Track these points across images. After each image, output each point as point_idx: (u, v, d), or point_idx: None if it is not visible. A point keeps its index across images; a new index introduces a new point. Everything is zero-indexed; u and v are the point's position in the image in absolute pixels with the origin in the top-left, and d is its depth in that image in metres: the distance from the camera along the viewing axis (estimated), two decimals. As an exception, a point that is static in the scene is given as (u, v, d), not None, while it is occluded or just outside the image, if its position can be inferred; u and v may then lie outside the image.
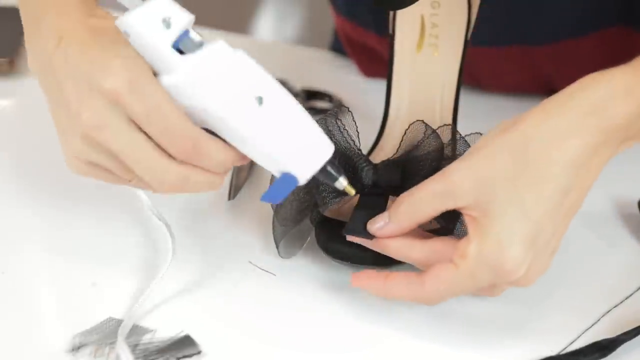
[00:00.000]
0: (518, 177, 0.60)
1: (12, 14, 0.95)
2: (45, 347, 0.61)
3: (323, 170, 0.61)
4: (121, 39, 0.59)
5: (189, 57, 0.58)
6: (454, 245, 0.61)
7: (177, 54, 0.58)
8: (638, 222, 0.75)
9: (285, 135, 0.59)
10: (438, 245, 0.62)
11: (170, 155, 0.59)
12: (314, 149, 0.61)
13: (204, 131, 0.59)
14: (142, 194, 0.70)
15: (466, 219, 0.61)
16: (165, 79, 0.58)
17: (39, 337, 0.61)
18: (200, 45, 0.59)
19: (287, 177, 0.60)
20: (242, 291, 0.67)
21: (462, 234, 0.63)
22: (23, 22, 0.66)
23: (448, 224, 0.64)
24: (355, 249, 0.66)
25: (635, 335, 0.63)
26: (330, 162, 0.61)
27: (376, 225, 0.63)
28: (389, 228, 0.63)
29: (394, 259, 0.64)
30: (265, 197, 0.62)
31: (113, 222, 0.71)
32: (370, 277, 0.63)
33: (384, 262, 0.65)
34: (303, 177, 0.61)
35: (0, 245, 0.69)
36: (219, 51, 0.59)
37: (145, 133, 0.59)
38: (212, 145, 0.59)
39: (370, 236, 0.64)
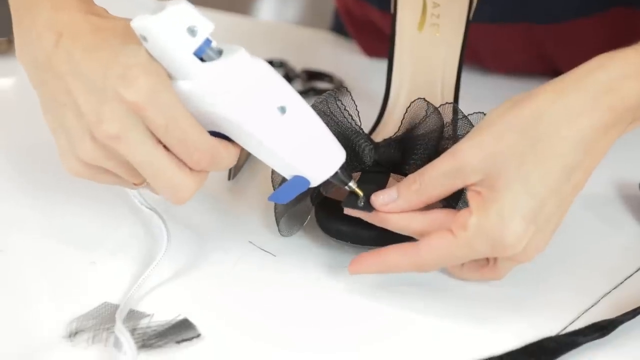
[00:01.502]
0: (526, 154, 0.59)
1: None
2: (41, 332, 0.60)
3: (335, 175, 0.62)
4: (130, 40, 0.59)
5: (210, 65, 0.58)
6: (454, 217, 0.61)
7: (198, 62, 0.58)
8: (639, 203, 0.75)
9: (303, 143, 0.61)
10: (439, 215, 0.62)
11: (186, 167, 0.60)
12: (328, 156, 0.62)
13: (217, 140, 0.60)
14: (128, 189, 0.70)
15: (469, 194, 0.61)
16: (184, 85, 0.58)
17: (35, 323, 0.61)
18: (219, 52, 0.59)
19: (299, 180, 0.62)
20: (242, 271, 0.67)
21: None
22: (11, 10, 0.65)
23: (450, 202, 0.64)
24: (355, 228, 0.66)
25: (634, 316, 0.63)
26: (342, 167, 0.62)
27: (380, 200, 0.63)
28: (397, 205, 0.63)
29: (392, 239, 0.64)
30: (273, 197, 0.63)
31: (109, 207, 0.71)
32: (365, 257, 0.63)
33: (382, 241, 0.65)
34: (316, 181, 0.62)
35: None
36: (241, 59, 0.59)
37: (162, 144, 0.59)
38: (225, 153, 0.61)
39: (369, 209, 0.64)
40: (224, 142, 0.61)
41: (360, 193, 0.63)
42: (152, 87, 0.58)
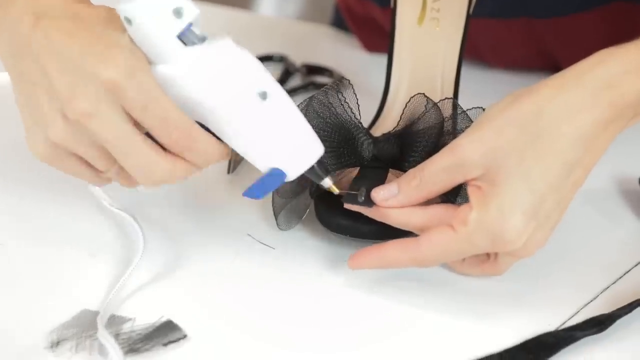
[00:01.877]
0: (526, 149, 0.60)
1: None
2: (20, 343, 0.58)
3: (311, 169, 0.62)
4: (112, 26, 0.59)
5: (192, 49, 0.58)
6: (454, 212, 0.61)
7: (181, 45, 0.58)
8: (639, 198, 0.75)
9: (281, 133, 0.60)
10: (439, 210, 0.62)
11: (160, 149, 0.59)
12: (306, 148, 0.61)
13: (197, 124, 0.60)
14: (97, 191, 0.69)
15: (470, 189, 0.61)
16: (163, 68, 0.58)
17: (12, 335, 0.59)
18: (203, 39, 0.59)
19: (275, 173, 0.61)
20: (240, 267, 0.67)
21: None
22: None
23: (449, 198, 0.64)
24: (354, 221, 0.66)
25: (630, 311, 0.63)
26: (319, 161, 0.62)
27: (381, 195, 0.63)
28: (397, 200, 0.63)
29: (391, 233, 0.64)
30: (248, 193, 0.62)
31: (82, 209, 0.70)
32: (365, 253, 0.63)
33: (382, 235, 0.65)
34: (292, 174, 0.61)
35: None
36: (224, 46, 0.59)
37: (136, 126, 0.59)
38: (205, 138, 0.60)
39: (370, 204, 0.64)
40: (204, 130, 0.60)
41: (337, 190, 0.63)
42: (131, 66, 0.57)
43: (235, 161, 0.76)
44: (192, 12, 0.58)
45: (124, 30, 0.59)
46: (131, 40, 0.58)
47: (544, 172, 0.60)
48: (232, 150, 0.76)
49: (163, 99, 0.58)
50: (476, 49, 0.90)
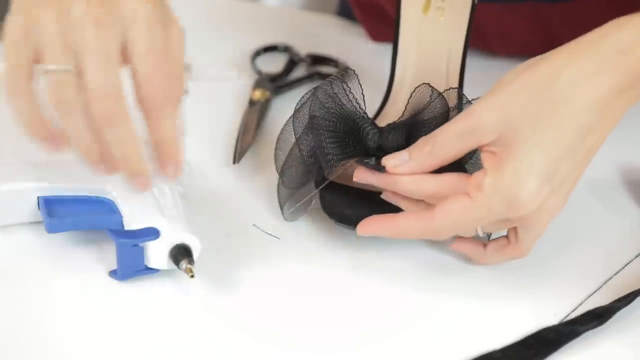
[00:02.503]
0: (541, 114, 0.60)
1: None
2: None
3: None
4: None
5: None
6: (467, 179, 0.61)
7: None
8: (643, 188, 0.75)
9: None
10: (451, 178, 0.62)
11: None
12: None
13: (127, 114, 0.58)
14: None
15: (484, 155, 0.61)
16: None
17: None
18: None
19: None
20: (246, 254, 0.67)
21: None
22: None
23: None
24: (359, 213, 0.66)
25: (629, 302, 0.63)
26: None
27: (392, 162, 0.63)
28: (408, 166, 0.63)
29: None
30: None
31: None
32: (377, 220, 0.63)
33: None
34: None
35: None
36: None
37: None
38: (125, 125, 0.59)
39: (380, 169, 0.64)
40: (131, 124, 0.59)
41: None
42: None
43: (240, 151, 0.76)
44: None
45: None
46: None
47: (559, 136, 0.59)
48: (237, 141, 0.76)
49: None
50: (481, 34, 0.90)
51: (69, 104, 0.58)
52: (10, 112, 0.60)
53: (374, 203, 0.67)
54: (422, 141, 0.63)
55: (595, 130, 0.60)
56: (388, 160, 0.63)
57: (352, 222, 0.67)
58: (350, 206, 0.66)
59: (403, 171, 0.63)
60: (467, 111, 0.61)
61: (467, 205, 0.60)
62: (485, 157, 0.61)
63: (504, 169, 0.60)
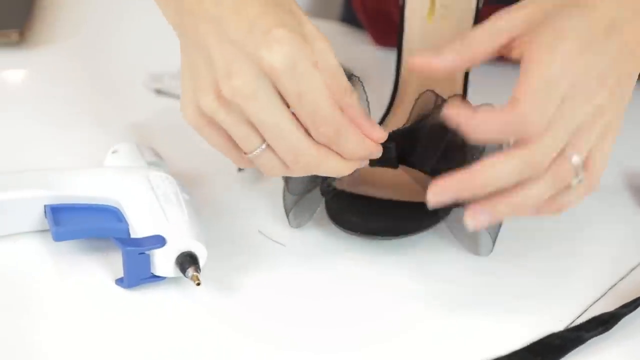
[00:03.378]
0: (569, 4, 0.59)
1: (22, -16, 0.95)
2: None
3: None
4: (287, 4, 0.59)
5: None
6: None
7: None
8: (647, 193, 0.75)
9: None
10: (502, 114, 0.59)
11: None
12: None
13: (353, 114, 0.60)
14: None
15: (519, 51, 0.60)
16: None
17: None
18: None
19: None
20: (252, 261, 0.67)
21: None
22: None
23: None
24: (364, 219, 0.66)
25: (635, 308, 0.63)
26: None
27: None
28: (446, 59, 0.62)
29: (403, 229, 0.64)
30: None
31: None
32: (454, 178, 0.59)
33: (394, 232, 0.66)
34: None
35: None
36: None
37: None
38: (353, 137, 0.60)
39: (395, 164, 0.65)
40: (353, 126, 0.61)
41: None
42: (294, 55, 0.57)
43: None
44: None
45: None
46: (298, 21, 0.59)
47: (582, 19, 0.58)
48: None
49: (318, 92, 0.58)
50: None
51: (282, 170, 0.61)
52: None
53: (379, 209, 0.67)
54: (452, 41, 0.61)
55: (626, 25, 0.59)
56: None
57: (357, 228, 0.67)
58: (355, 213, 0.66)
59: (443, 66, 0.61)
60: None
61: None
62: (523, 48, 0.59)
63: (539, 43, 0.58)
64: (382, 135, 0.62)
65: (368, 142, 0.61)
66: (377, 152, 0.62)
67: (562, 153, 0.59)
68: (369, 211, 0.66)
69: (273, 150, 0.60)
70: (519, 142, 0.59)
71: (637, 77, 0.61)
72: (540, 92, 0.58)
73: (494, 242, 0.66)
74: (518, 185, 0.59)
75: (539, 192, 0.59)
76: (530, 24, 0.60)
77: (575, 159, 0.59)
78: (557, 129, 0.58)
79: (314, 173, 0.62)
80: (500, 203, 0.59)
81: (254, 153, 0.61)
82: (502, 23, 0.61)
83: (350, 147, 0.61)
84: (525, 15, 0.61)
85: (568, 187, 0.60)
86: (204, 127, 0.61)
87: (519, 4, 0.61)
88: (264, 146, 0.60)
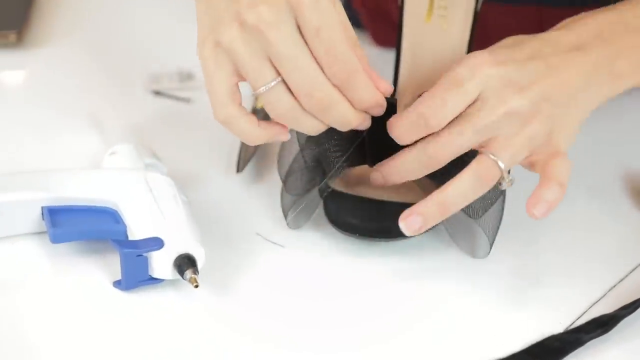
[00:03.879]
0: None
1: (21, -15, 0.95)
2: None
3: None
4: None
5: None
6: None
7: None
8: (646, 195, 0.75)
9: None
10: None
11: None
12: None
13: (361, 65, 0.62)
14: None
15: None
16: None
17: None
18: None
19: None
20: (250, 263, 0.67)
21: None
22: None
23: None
24: (363, 221, 0.66)
25: (634, 310, 0.63)
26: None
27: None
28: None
29: (401, 231, 0.64)
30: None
31: None
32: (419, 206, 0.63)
33: (392, 234, 0.65)
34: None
35: None
36: None
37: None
38: (363, 81, 0.62)
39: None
40: (366, 72, 0.62)
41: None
42: None
43: (244, 159, 0.76)
44: None
45: None
46: None
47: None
48: (240, 149, 0.77)
49: (336, 29, 0.61)
50: (484, 35, 0.90)
51: (291, 110, 0.62)
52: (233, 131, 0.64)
53: (377, 211, 0.67)
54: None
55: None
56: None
57: (355, 230, 0.67)
58: (353, 214, 0.66)
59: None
60: None
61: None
62: None
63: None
64: (388, 87, 0.64)
65: (376, 91, 0.63)
66: (383, 105, 0.63)
67: (483, 152, 0.62)
68: (367, 213, 0.66)
69: (286, 85, 0.61)
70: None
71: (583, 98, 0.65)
72: (440, 91, 0.63)
73: (491, 245, 0.66)
74: (442, 187, 0.62)
75: (463, 189, 0.62)
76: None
77: (500, 163, 0.62)
78: (461, 126, 0.62)
79: (323, 118, 0.62)
80: (427, 205, 0.62)
81: (264, 88, 0.61)
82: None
83: (360, 93, 0.62)
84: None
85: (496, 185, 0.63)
86: (217, 65, 0.62)
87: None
88: (275, 82, 0.61)
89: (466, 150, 0.63)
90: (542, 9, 0.88)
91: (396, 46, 0.75)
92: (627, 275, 0.67)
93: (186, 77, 0.86)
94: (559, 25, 0.68)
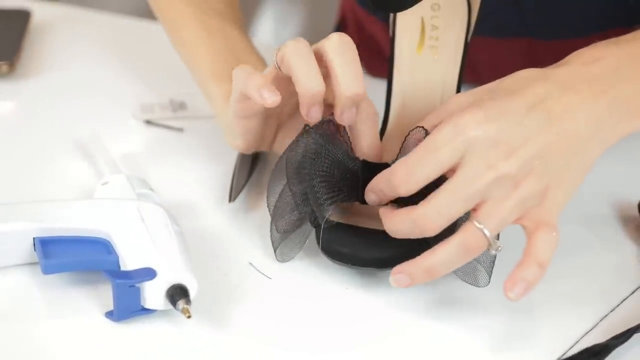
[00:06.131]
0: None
1: (13, 16, 0.95)
2: None
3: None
4: None
5: None
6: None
7: None
8: (637, 224, 0.75)
9: None
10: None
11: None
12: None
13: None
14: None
15: None
16: None
17: None
18: None
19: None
20: (242, 293, 0.67)
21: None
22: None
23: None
24: (356, 250, 0.66)
25: (626, 340, 0.63)
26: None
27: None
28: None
29: (396, 261, 0.64)
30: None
31: None
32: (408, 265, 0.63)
33: (385, 264, 0.65)
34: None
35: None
36: None
37: None
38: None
39: None
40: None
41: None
42: None
43: (236, 189, 0.76)
44: None
45: None
46: None
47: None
48: (233, 179, 0.77)
49: None
50: (474, 68, 0.90)
51: None
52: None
53: (370, 240, 0.67)
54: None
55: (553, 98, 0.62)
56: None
57: (349, 260, 0.67)
58: (347, 245, 0.66)
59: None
60: None
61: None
62: None
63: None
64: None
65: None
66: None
67: (469, 221, 0.61)
68: (360, 242, 0.66)
69: None
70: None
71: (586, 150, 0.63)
72: (416, 154, 0.62)
73: (489, 275, 0.66)
74: (429, 251, 0.62)
75: (449, 256, 0.61)
76: (467, 102, 0.64)
77: (486, 232, 0.61)
78: (445, 194, 0.61)
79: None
80: (414, 268, 0.62)
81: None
82: (451, 105, 0.65)
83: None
84: (467, 96, 0.65)
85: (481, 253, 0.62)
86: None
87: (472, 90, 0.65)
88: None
89: (457, 218, 0.62)
90: (532, 40, 0.89)
91: (387, 77, 0.76)
92: (619, 305, 0.67)
93: (178, 106, 0.87)
94: (571, 58, 0.66)
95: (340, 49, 0.67)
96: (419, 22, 0.75)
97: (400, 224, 0.62)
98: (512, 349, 0.64)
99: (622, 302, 0.67)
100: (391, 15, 0.75)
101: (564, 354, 0.63)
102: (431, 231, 0.61)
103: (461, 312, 0.66)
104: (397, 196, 0.63)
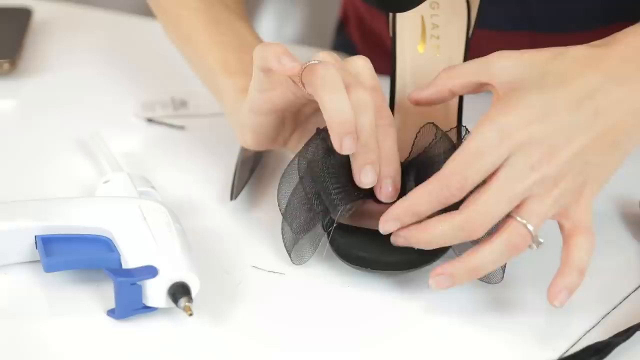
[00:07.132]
0: (549, 70, 0.63)
1: (14, 14, 0.95)
2: None
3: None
4: None
5: None
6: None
7: None
8: (639, 222, 0.75)
9: None
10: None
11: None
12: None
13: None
14: None
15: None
16: None
17: None
18: None
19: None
20: (244, 291, 0.67)
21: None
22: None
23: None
24: (376, 254, 0.65)
25: (628, 337, 0.63)
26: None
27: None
28: (425, 92, 0.66)
29: (412, 264, 0.64)
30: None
31: None
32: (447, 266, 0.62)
33: (402, 267, 0.65)
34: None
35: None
36: None
37: None
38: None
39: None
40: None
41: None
42: None
43: (237, 187, 0.76)
44: None
45: None
46: None
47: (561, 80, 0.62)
48: (234, 177, 0.77)
49: None
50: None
51: None
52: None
53: (385, 243, 0.66)
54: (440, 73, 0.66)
55: (603, 91, 0.61)
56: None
57: (366, 264, 0.66)
58: (362, 248, 0.66)
59: (418, 97, 0.68)
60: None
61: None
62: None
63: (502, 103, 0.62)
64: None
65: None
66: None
67: (512, 216, 0.62)
68: (375, 245, 0.66)
69: None
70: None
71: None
72: (464, 156, 0.61)
73: (503, 270, 0.66)
74: (472, 250, 0.62)
75: (492, 256, 0.62)
76: (512, 77, 0.63)
77: (530, 227, 0.62)
78: (491, 195, 0.61)
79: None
80: (457, 268, 0.62)
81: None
82: (494, 68, 0.64)
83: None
84: (513, 66, 0.64)
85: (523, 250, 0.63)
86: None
87: (516, 52, 0.65)
88: None
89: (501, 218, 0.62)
90: (534, 34, 0.89)
91: (390, 77, 0.76)
92: (621, 302, 0.67)
93: (180, 104, 0.87)
94: (622, 38, 0.65)
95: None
96: (419, 21, 0.75)
97: (440, 231, 0.62)
98: (514, 347, 0.64)
99: (624, 299, 0.67)
100: (390, 15, 0.75)
101: (567, 351, 0.63)
102: (480, 233, 0.62)
103: (464, 310, 0.66)
104: (446, 206, 0.62)
